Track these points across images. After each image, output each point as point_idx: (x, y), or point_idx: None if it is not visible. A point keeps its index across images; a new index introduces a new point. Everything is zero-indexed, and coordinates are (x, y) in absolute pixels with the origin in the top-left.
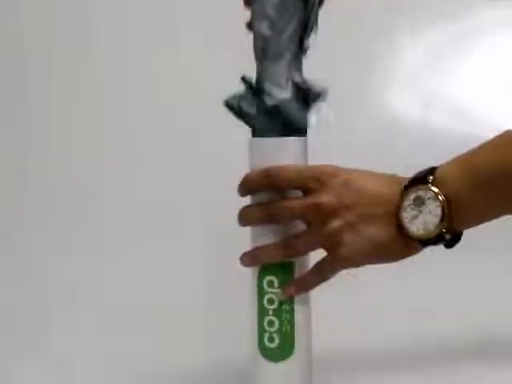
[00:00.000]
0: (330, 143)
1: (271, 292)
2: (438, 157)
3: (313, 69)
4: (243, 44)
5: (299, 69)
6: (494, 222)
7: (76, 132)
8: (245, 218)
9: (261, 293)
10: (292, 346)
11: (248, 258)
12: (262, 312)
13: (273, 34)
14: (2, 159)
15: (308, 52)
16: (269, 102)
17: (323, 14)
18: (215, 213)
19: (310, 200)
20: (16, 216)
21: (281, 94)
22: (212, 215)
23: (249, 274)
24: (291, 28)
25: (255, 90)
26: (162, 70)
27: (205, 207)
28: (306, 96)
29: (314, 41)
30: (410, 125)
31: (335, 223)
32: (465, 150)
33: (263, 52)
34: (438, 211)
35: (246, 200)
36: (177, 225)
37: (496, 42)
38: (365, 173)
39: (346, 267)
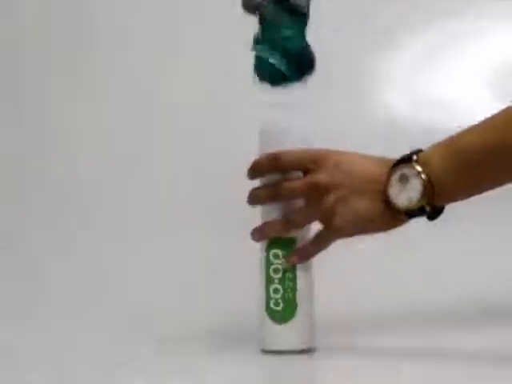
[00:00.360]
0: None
1: (277, 263)
2: None
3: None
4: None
5: None
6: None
7: (76, 132)
8: (254, 197)
9: (267, 264)
10: (294, 309)
11: (257, 233)
12: (268, 280)
13: None
14: (2, 159)
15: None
16: None
17: None
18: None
19: (308, 179)
20: (16, 216)
21: None
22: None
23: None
24: None
25: None
26: (162, 69)
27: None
28: None
29: None
30: (403, 121)
31: (330, 198)
32: None
33: None
34: (420, 188)
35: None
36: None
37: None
38: (356, 154)
39: (340, 237)
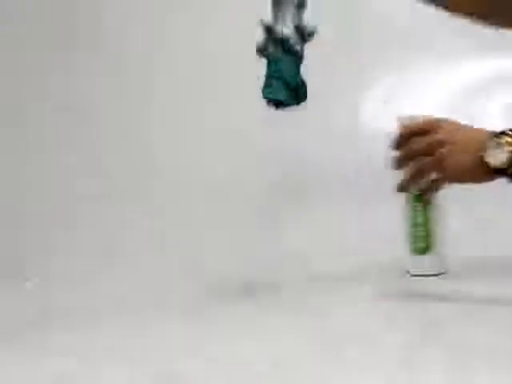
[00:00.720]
0: None
1: (419, 212)
2: None
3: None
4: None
5: (300, 15)
6: None
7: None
8: (396, 163)
9: (412, 213)
10: (432, 245)
11: (399, 186)
12: (413, 225)
13: None
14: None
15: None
16: (279, 35)
17: None
18: None
19: (430, 138)
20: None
21: (285, 30)
22: None
23: None
24: None
25: (270, 29)
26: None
27: None
28: (302, 32)
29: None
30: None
31: (443, 151)
32: None
33: (276, 2)
34: (508, 154)
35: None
36: None
37: None
38: (460, 123)
39: (449, 182)
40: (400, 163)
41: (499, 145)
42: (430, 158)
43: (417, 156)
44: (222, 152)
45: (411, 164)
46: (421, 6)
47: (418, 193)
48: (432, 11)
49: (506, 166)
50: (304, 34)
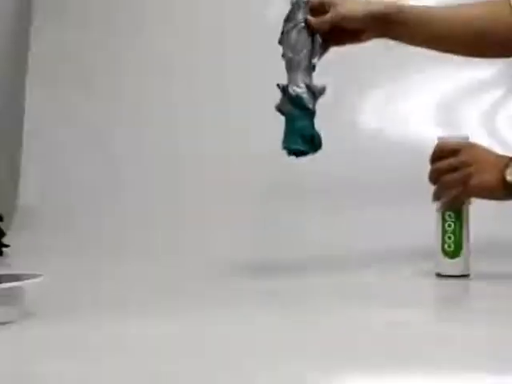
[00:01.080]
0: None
1: (449, 220)
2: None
3: None
4: None
5: (310, 77)
6: None
7: None
8: (431, 178)
9: (443, 220)
10: (460, 249)
11: (433, 196)
12: (443, 231)
13: (293, 55)
14: None
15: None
16: (293, 93)
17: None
18: None
19: (457, 159)
20: None
21: (297, 89)
22: None
23: None
24: (304, 52)
25: (285, 89)
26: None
27: None
28: (313, 91)
29: (317, 62)
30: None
31: (467, 171)
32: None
33: (289, 67)
34: None
35: None
36: None
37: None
38: (482, 147)
39: (471, 196)
40: (431, 178)
41: None
42: (455, 175)
43: (444, 174)
44: (222, 152)
45: (440, 179)
46: None
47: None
48: None
49: None
50: (315, 92)
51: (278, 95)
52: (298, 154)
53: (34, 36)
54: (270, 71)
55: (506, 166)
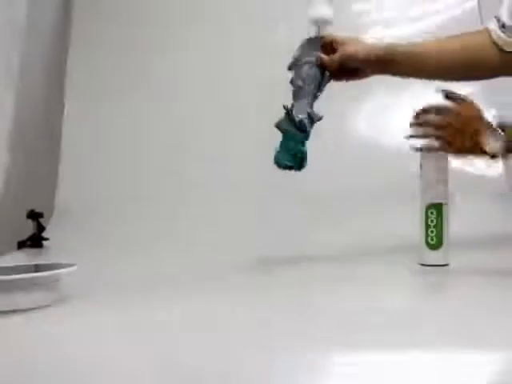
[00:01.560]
0: None
1: (432, 216)
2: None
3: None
4: None
5: (312, 105)
6: None
7: None
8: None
9: (426, 216)
10: (441, 242)
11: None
12: (427, 226)
13: (303, 85)
14: None
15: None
16: (296, 118)
17: None
18: None
19: (445, 119)
20: None
21: (300, 115)
22: None
23: None
24: (313, 85)
25: (289, 112)
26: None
27: None
28: (312, 118)
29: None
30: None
31: (451, 131)
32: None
33: (296, 94)
34: (499, 145)
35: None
36: None
37: None
38: (472, 115)
39: (450, 152)
40: (414, 120)
41: (495, 137)
42: (438, 132)
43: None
44: (222, 153)
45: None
46: None
47: (431, 202)
48: None
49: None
50: (313, 119)
51: (277, 113)
52: (285, 167)
53: (71, 52)
54: (272, 85)
55: (484, 135)
